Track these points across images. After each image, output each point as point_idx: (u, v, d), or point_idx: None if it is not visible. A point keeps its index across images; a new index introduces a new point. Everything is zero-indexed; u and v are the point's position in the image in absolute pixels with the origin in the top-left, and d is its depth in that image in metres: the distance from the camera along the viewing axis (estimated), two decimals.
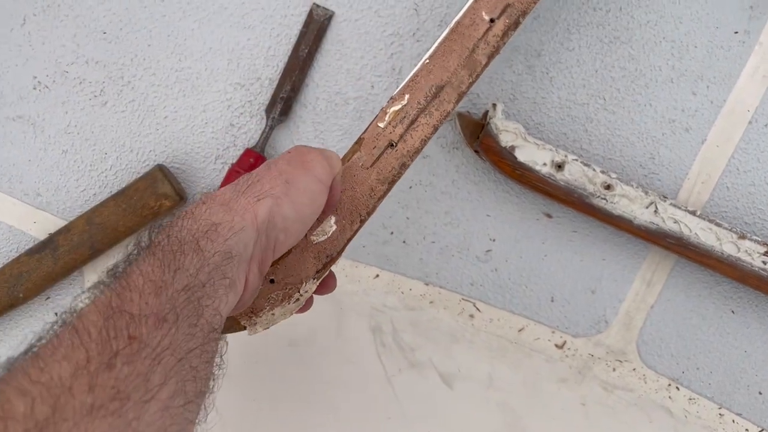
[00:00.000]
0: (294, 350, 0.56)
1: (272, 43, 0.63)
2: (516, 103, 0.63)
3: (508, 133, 0.60)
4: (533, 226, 0.65)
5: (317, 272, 0.48)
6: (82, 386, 0.26)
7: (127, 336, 0.28)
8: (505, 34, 0.53)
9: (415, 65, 0.52)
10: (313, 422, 0.54)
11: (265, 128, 0.62)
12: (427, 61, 0.52)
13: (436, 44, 0.52)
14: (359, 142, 0.50)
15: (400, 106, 0.51)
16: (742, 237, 0.60)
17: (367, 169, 0.50)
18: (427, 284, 0.66)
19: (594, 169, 0.60)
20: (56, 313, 0.31)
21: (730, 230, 0.61)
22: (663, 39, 0.62)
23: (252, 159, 0.61)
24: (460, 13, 0.53)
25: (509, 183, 0.65)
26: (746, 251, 0.61)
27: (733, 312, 0.66)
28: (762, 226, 0.64)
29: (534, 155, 0.60)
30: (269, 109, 0.62)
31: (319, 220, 0.48)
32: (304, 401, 0.54)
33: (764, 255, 0.60)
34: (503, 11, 0.53)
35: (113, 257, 0.64)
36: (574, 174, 0.60)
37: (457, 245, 0.66)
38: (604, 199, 0.60)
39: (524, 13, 0.53)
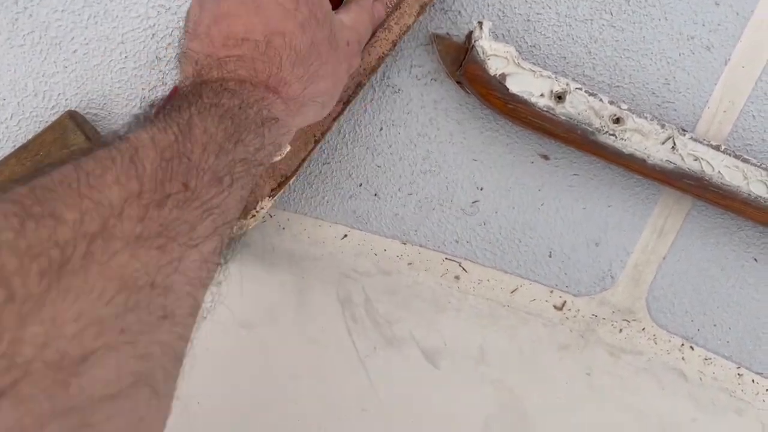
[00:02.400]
0: (247, 334, 0.47)
1: None
2: (506, 21, 0.52)
3: (497, 58, 0.49)
4: (527, 170, 0.55)
5: (272, 191, 0.48)
6: (132, 214, 0.26)
7: (182, 183, 0.28)
8: None
9: None
10: (271, 421, 0.45)
11: None
12: None
13: None
14: None
15: None
16: None
17: None
18: (404, 243, 0.56)
19: (601, 100, 0.50)
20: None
21: (759, 167, 0.51)
22: None
23: None
24: None
25: (499, 120, 0.54)
26: None
27: (755, 260, 0.58)
28: None
29: (529, 84, 0.49)
30: None
31: None
32: (262, 396, 0.45)
33: None
34: None
35: None
36: (578, 106, 0.49)
37: (439, 196, 0.56)
38: (613, 135, 0.50)
39: None
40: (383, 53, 0.48)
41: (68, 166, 0.26)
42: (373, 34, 0.48)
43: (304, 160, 0.49)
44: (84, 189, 0.25)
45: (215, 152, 0.31)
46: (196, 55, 0.37)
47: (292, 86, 0.38)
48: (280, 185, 0.49)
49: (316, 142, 0.49)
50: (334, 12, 0.42)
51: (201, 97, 0.33)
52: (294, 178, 0.50)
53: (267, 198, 0.49)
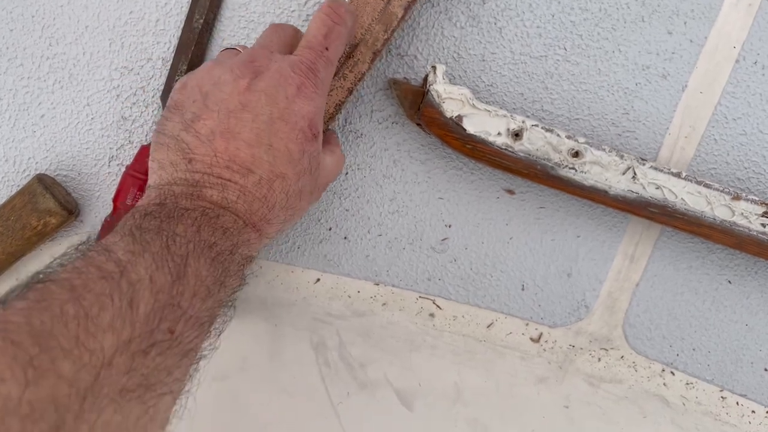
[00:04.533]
0: (220, 386, 0.47)
1: (160, 15, 0.51)
2: (461, 62, 0.53)
3: (452, 100, 0.49)
4: (494, 205, 0.56)
5: None
6: (121, 366, 0.27)
7: (168, 329, 0.29)
8: None
9: None
10: None
11: None
12: None
13: None
14: None
15: None
16: (737, 198, 0.51)
17: None
18: (377, 284, 0.57)
19: (558, 135, 0.50)
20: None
21: (722, 191, 0.51)
22: None
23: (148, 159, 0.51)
24: None
25: (461, 158, 0.55)
26: (742, 214, 0.52)
27: (729, 282, 0.57)
28: (758, 181, 0.55)
29: (485, 124, 0.50)
30: (164, 96, 0.52)
31: None
32: None
33: (763, 216, 0.52)
34: None
35: None
36: (535, 142, 0.50)
37: (408, 236, 0.56)
38: (573, 168, 0.50)
39: None
40: (340, 101, 0.49)
41: (67, 299, 0.27)
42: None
43: None
44: (82, 335, 0.26)
45: (203, 297, 0.32)
46: (191, 153, 0.37)
47: (272, 227, 0.39)
48: None
49: None
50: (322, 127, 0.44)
51: (199, 231, 0.34)
52: None
53: None
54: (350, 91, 0.49)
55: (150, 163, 0.40)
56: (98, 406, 0.25)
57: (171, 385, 0.30)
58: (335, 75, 0.48)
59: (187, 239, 0.33)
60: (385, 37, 0.47)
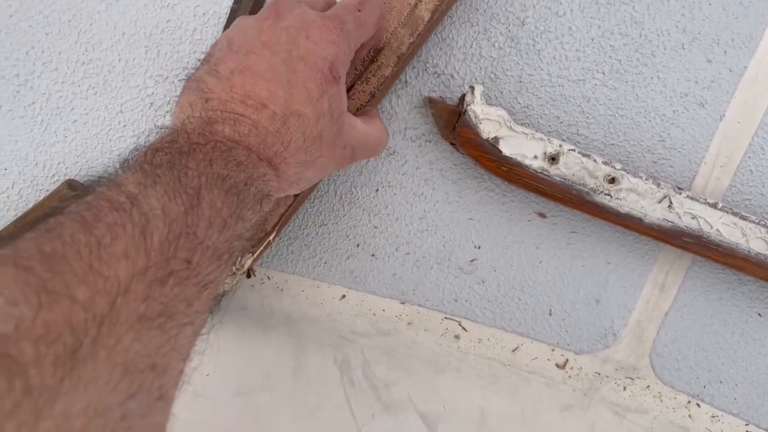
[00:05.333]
0: (243, 402, 0.46)
1: (197, 24, 0.51)
2: (498, 83, 0.53)
3: (489, 121, 0.49)
4: (525, 228, 0.55)
5: (252, 247, 0.47)
6: (138, 294, 0.26)
7: (185, 258, 0.29)
8: None
9: None
10: None
11: None
12: None
13: None
14: None
15: None
16: None
17: None
18: (403, 303, 0.56)
19: (595, 160, 0.50)
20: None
21: (758, 224, 0.51)
22: None
23: None
24: None
25: (494, 179, 0.54)
26: None
27: (760, 315, 0.57)
28: None
29: (522, 147, 0.49)
30: None
31: None
32: None
33: None
34: None
35: None
36: (571, 167, 0.49)
37: (436, 256, 0.56)
38: (609, 195, 0.50)
39: None
40: (361, 104, 0.48)
41: (78, 228, 0.26)
42: (350, 87, 0.48)
43: (283, 215, 0.49)
44: (95, 262, 0.25)
45: (219, 228, 0.32)
46: (209, 93, 0.37)
47: (290, 168, 0.38)
48: (260, 241, 0.48)
49: (303, 197, 0.50)
50: (352, 114, 0.43)
51: (211, 164, 0.34)
52: (274, 234, 0.49)
53: (248, 254, 0.48)
54: (372, 95, 0.48)
55: (174, 108, 0.40)
56: (117, 332, 0.25)
57: (192, 317, 0.29)
58: (358, 78, 0.48)
59: (199, 172, 0.33)
60: (411, 40, 0.46)
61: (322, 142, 0.39)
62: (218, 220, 0.32)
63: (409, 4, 0.46)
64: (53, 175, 0.53)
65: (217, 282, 0.32)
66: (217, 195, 0.32)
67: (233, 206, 0.33)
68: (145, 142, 0.35)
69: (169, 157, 0.33)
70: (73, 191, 0.50)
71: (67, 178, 0.53)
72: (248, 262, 0.48)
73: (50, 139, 0.53)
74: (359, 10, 0.41)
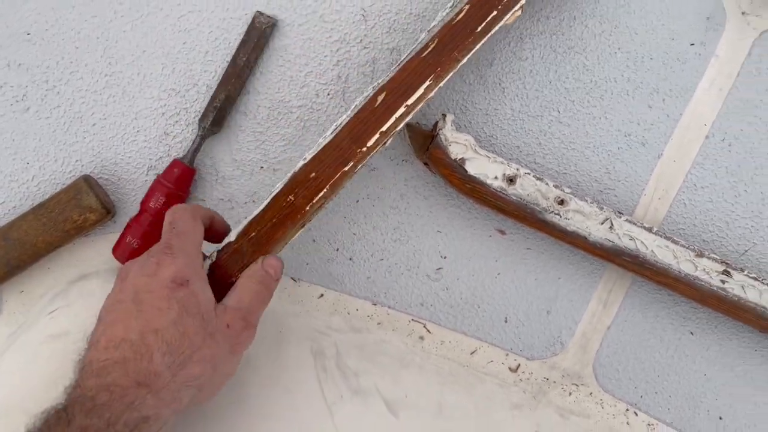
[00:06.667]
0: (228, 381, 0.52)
1: (210, 47, 0.59)
2: (467, 114, 0.61)
3: (458, 144, 0.57)
4: (486, 242, 0.62)
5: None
6: None
7: None
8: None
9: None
10: None
11: (195, 138, 0.58)
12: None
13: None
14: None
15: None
16: (700, 255, 0.58)
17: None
18: (374, 304, 0.63)
19: (547, 184, 0.57)
20: None
21: (688, 248, 0.58)
22: (618, 50, 0.60)
23: (177, 170, 0.57)
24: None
25: (460, 198, 0.62)
26: (704, 270, 0.58)
27: (692, 333, 0.64)
28: (720, 244, 0.62)
29: (485, 168, 0.57)
30: (202, 119, 0.58)
31: None
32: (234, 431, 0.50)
33: (722, 274, 0.58)
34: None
35: (32, 275, 0.59)
36: (527, 188, 0.57)
37: (407, 263, 0.62)
38: (558, 214, 0.57)
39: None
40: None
41: None
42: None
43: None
44: None
45: None
46: (81, 363, 0.42)
47: (161, 376, 0.41)
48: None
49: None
50: (216, 301, 0.46)
51: (69, 424, 0.37)
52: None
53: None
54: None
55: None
56: None
57: None
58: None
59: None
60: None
61: (191, 338, 0.42)
62: None
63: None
64: (70, 171, 0.60)
65: None
66: None
67: None
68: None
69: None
70: (88, 185, 0.57)
71: (83, 173, 0.59)
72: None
73: (70, 139, 0.59)
74: (174, 228, 0.48)
